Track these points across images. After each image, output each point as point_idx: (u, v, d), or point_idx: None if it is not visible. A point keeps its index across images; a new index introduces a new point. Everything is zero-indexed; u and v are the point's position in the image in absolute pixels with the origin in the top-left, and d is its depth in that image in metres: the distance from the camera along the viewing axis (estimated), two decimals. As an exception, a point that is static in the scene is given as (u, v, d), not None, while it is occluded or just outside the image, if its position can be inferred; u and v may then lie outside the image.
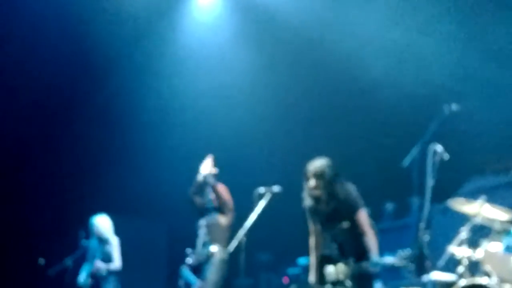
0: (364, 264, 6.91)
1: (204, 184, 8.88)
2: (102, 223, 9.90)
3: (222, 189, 8.89)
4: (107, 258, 9.73)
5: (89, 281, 9.68)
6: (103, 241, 9.82)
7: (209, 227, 8.84)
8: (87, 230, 9.95)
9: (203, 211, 9.01)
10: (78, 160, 12.07)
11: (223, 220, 8.80)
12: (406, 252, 6.83)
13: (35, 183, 12.06)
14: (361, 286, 6.99)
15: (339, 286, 7.04)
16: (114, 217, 10.01)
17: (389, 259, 6.86)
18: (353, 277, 7.00)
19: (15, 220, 11.84)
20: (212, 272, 8.61)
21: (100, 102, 12.05)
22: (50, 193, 12.00)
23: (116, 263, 9.75)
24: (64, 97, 11.76)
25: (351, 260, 7.04)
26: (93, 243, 9.87)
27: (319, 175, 7.19)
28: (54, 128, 12.01)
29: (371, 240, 7.03)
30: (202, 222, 8.94)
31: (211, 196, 8.95)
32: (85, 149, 12.11)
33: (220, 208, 8.86)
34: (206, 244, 8.76)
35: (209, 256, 8.64)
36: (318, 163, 7.27)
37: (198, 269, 8.82)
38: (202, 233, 8.88)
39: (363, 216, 7.14)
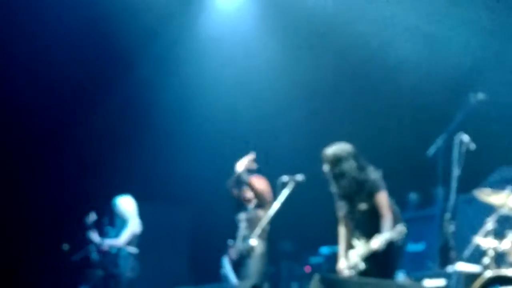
0: (371, 244, 6.85)
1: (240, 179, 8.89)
2: (125, 203, 9.93)
3: (260, 182, 8.88)
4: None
5: (96, 255, 9.69)
6: (124, 221, 9.84)
7: (249, 221, 8.85)
8: (111, 214, 9.99)
9: (242, 204, 9.01)
10: (101, 146, 12.11)
11: (262, 214, 8.81)
12: (403, 226, 6.76)
13: (59, 169, 12.12)
14: (372, 268, 6.92)
15: (356, 269, 7.01)
16: (137, 203, 10.03)
17: (386, 234, 6.79)
18: (366, 260, 6.94)
19: (39, 206, 11.91)
20: (253, 265, 8.65)
21: (123, 89, 12.07)
22: (74, 179, 12.06)
23: (120, 240, 9.71)
24: (88, 83, 11.80)
25: (363, 242, 7.00)
26: (118, 224, 9.90)
27: (327, 160, 7.18)
28: (79, 115, 12.06)
29: (386, 222, 6.94)
30: (242, 216, 8.96)
31: (247, 194, 8.96)
32: (109, 135, 12.14)
33: (259, 203, 8.88)
34: (246, 238, 8.77)
35: (249, 250, 8.67)
36: (329, 148, 7.25)
37: (238, 263, 8.84)
38: (242, 227, 8.90)
39: (381, 198, 7.03)
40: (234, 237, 8.93)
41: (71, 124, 12.06)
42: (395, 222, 6.99)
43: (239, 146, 9.33)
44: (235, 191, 8.99)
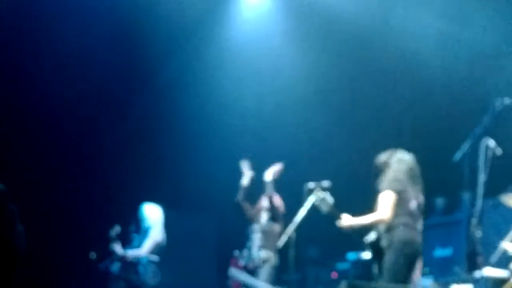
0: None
1: (250, 189, 8.96)
2: (151, 210, 9.98)
3: (278, 198, 8.97)
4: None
5: (116, 265, 9.75)
6: (148, 229, 9.89)
7: (263, 233, 8.92)
8: (137, 224, 10.05)
9: (253, 218, 9.07)
10: (128, 156, 12.18)
11: (276, 227, 8.90)
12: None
13: (86, 178, 12.21)
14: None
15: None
16: (165, 211, 10.07)
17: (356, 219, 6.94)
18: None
19: (67, 214, 11.99)
20: (264, 277, 8.72)
21: (149, 97, 12.15)
22: (101, 188, 12.14)
23: (142, 250, 9.74)
24: (114, 92, 11.88)
25: None
26: (142, 232, 9.96)
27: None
28: (104, 124, 12.15)
29: (371, 215, 6.99)
30: (256, 227, 9.01)
31: (263, 204, 9.01)
32: (135, 145, 12.22)
33: (273, 216, 8.94)
34: (259, 250, 8.84)
35: (263, 262, 8.74)
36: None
37: (251, 273, 8.90)
38: (256, 239, 8.95)
39: (381, 197, 7.06)
40: (244, 248, 9.02)
41: (98, 134, 12.15)
42: (392, 227, 6.99)
43: (265, 153, 9.35)
44: (245, 204, 9.04)
